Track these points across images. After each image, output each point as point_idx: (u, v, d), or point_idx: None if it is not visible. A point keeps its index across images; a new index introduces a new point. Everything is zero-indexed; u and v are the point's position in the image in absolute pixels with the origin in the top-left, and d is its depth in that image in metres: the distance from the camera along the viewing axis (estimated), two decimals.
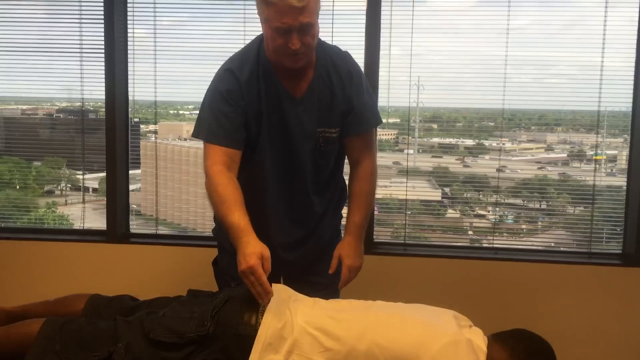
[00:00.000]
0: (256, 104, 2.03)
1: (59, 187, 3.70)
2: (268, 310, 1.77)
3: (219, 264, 2.29)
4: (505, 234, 3.35)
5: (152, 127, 3.44)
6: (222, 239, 2.23)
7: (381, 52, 3.06)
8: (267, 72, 2.04)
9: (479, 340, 1.78)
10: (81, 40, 3.26)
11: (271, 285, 1.81)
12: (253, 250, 1.79)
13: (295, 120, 2.07)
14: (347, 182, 2.30)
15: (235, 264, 2.12)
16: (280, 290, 1.88)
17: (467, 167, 3.38)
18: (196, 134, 2.08)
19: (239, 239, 1.84)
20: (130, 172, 3.37)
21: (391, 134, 3.39)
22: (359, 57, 3.01)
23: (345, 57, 2.15)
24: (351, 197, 2.20)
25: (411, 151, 3.28)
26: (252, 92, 2.03)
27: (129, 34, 3.23)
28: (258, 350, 1.71)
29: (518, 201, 3.39)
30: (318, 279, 2.18)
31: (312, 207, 2.17)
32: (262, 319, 1.76)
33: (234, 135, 2.02)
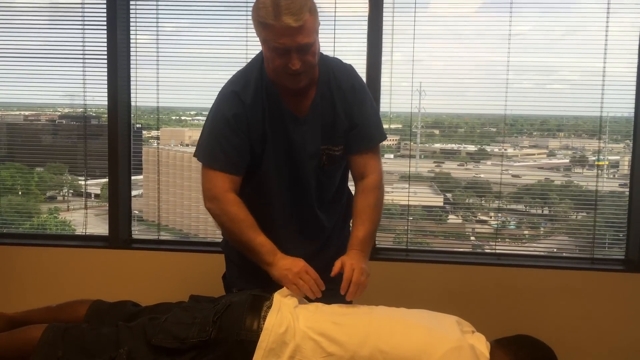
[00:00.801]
0: (261, 125, 2.00)
1: (61, 193, 3.70)
2: (270, 315, 1.77)
3: (228, 277, 2.28)
4: (507, 240, 3.35)
5: (154, 133, 3.44)
6: (229, 252, 2.24)
7: (383, 58, 3.06)
8: (271, 93, 2.00)
9: (482, 346, 1.78)
10: (84, 46, 3.27)
11: (276, 291, 1.90)
12: (293, 259, 1.94)
13: (299, 141, 2.03)
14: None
15: (243, 276, 2.17)
16: (284, 295, 1.88)
17: (478, 174, 3.37)
18: (198, 157, 2.05)
19: (273, 256, 1.95)
20: (132, 178, 3.37)
21: (393, 140, 3.39)
22: (360, 63, 3.03)
23: (348, 71, 2.10)
24: (355, 213, 2.10)
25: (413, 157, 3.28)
26: (257, 114, 1.99)
27: (131, 40, 3.24)
28: (260, 355, 1.71)
29: (520, 207, 3.38)
30: (329, 285, 2.15)
31: (321, 223, 2.15)
32: (264, 324, 1.75)
33: (237, 163, 2.01)
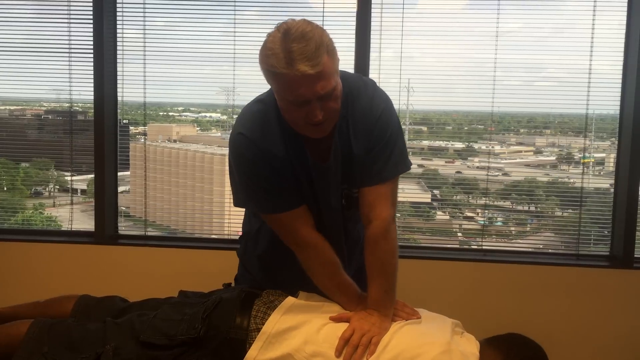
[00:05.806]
0: (292, 175, 1.81)
1: (47, 189, 3.68)
2: (276, 312, 1.77)
3: (240, 281, 2.20)
4: (494, 236, 3.37)
5: (141, 128, 3.42)
6: (246, 261, 2.15)
7: (371, 55, 3.07)
8: (296, 145, 1.77)
9: (472, 346, 1.77)
10: (70, 40, 3.25)
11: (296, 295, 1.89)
12: (371, 320, 1.80)
13: (324, 186, 1.85)
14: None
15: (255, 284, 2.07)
16: (305, 300, 1.88)
17: (459, 172, 3.39)
18: (254, 210, 1.93)
19: (356, 305, 1.86)
20: (119, 173, 3.35)
21: None
22: (349, 60, 3.04)
23: (373, 102, 1.78)
24: (366, 267, 1.85)
25: None
26: (286, 166, 1.79)
27: (118, 35, 3.22)
28: (258, 347, 1.71)
29: (507, 204, 3.40)
30: None
31: (343, 254, 1.96)
32: (254, 321, 1.76)
33: (294, 193, 1.83)
